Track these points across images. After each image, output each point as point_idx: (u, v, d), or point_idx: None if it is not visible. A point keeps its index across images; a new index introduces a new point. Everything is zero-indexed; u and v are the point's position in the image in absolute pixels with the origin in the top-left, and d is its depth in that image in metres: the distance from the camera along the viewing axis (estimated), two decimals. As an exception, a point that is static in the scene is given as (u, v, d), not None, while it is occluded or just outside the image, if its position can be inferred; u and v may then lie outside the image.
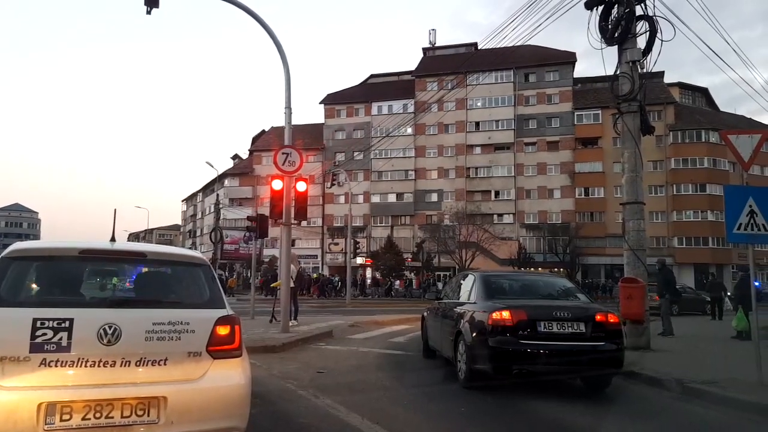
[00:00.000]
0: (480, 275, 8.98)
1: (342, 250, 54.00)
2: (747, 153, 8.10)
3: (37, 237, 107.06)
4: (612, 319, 7.35)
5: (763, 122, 55.06)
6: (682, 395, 7.13)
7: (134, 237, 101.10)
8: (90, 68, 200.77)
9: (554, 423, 5.96)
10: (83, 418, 3.16)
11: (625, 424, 6.09)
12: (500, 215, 60.54)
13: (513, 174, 61.24)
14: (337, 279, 51.65)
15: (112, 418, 3.22)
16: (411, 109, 59.37)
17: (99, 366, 3.30)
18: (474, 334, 7.42)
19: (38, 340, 3.21)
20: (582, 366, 7.25)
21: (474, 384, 7.35)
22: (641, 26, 11.44)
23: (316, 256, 65.89)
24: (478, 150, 63.00)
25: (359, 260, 50.05)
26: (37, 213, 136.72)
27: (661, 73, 56.91)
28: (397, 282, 51.61)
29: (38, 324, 3.24)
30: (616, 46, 11.66)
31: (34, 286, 3.76)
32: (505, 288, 8.81)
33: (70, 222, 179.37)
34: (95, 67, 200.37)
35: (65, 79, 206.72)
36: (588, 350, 7.10)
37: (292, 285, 13.81)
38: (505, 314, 7.12)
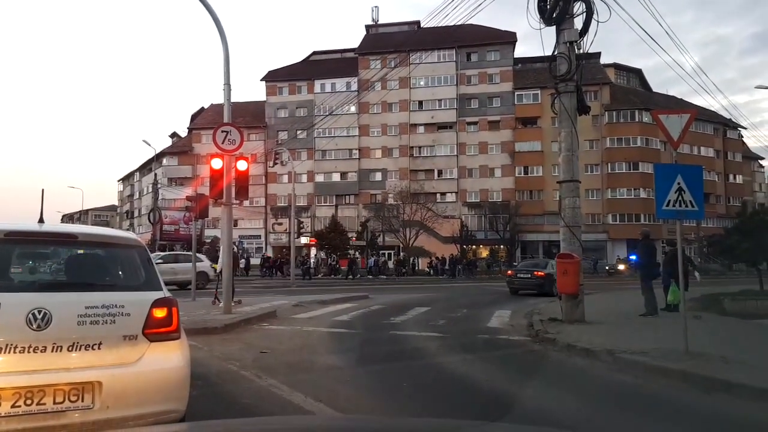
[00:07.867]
0: (520, 263, 35.76)
1: (286, 230, 53.49)
2: (676, 132, 8.41)
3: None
4: (539, 273, 21.92)
5: (693, 102, 57.30)
6: (613, 365, 7.45)
7: (68, 218, 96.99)
8: (14, 38, 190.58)
9: (487, 391, 6.24)
10: (13, 406, 3.05)
11: (551, 392, 6.35)
12: (443, 194, 61.37)
13: (455, 153, 62.09)
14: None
15: (44, 404, 3.12)
16: (354, 87, 58.99)
17: (29, 352, 3.20)
18: (507, 279, 25.24)
19: (-38, 326, 3.08)
20: (531, 288, 21.72)
21: (512, 294, 22.28)
22: (578, 7, 11.63)
23: (260, 236, 65.27)
24: (421, 129, 63.47)
25: (303, 240, 49.68)
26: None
27: (598, 54, 58.40)
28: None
29: None
30: (555, 27, 11.86)
31: None
32: (524, 264, 29.13)
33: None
34: (20, 36, 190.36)
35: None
36: (531, 283, 22.12)
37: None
38: (510, 272, 25.88)
